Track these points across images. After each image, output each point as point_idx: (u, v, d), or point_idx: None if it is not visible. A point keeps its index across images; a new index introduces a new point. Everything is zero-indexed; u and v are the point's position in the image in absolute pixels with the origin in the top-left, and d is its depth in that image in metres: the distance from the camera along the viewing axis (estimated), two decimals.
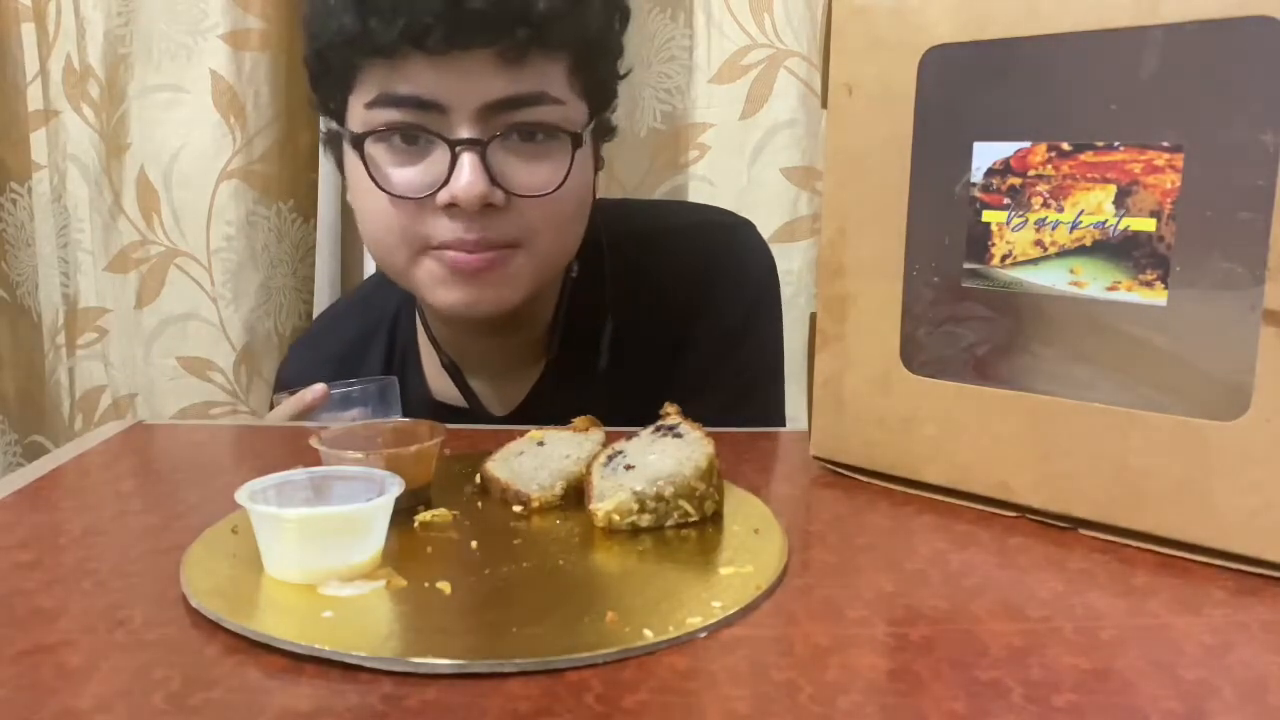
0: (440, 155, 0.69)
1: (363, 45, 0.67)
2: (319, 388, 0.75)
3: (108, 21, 1.23)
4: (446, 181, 0.68)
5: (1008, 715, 0.36)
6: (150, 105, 1.24)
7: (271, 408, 0.95)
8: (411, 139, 0.69)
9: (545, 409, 0.82)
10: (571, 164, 0.71)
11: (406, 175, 0.70)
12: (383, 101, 0.69)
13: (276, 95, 1.24)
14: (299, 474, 0.50)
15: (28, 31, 1.29)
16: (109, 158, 1.26)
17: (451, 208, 0.68)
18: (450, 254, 0.70)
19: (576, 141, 0.71)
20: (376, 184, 0.70)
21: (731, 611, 0.43)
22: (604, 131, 0.79)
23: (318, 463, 0.53)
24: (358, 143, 0.70)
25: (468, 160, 0.67)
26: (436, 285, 0.72)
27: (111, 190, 1.27)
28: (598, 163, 0.79)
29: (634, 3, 1.21)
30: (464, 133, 0.68)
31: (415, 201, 0.69)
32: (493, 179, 0.68)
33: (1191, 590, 0.47)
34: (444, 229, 0.69)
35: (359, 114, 0.70)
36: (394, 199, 0.70)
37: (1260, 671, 0.40)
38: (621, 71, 0.78)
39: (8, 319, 1.34)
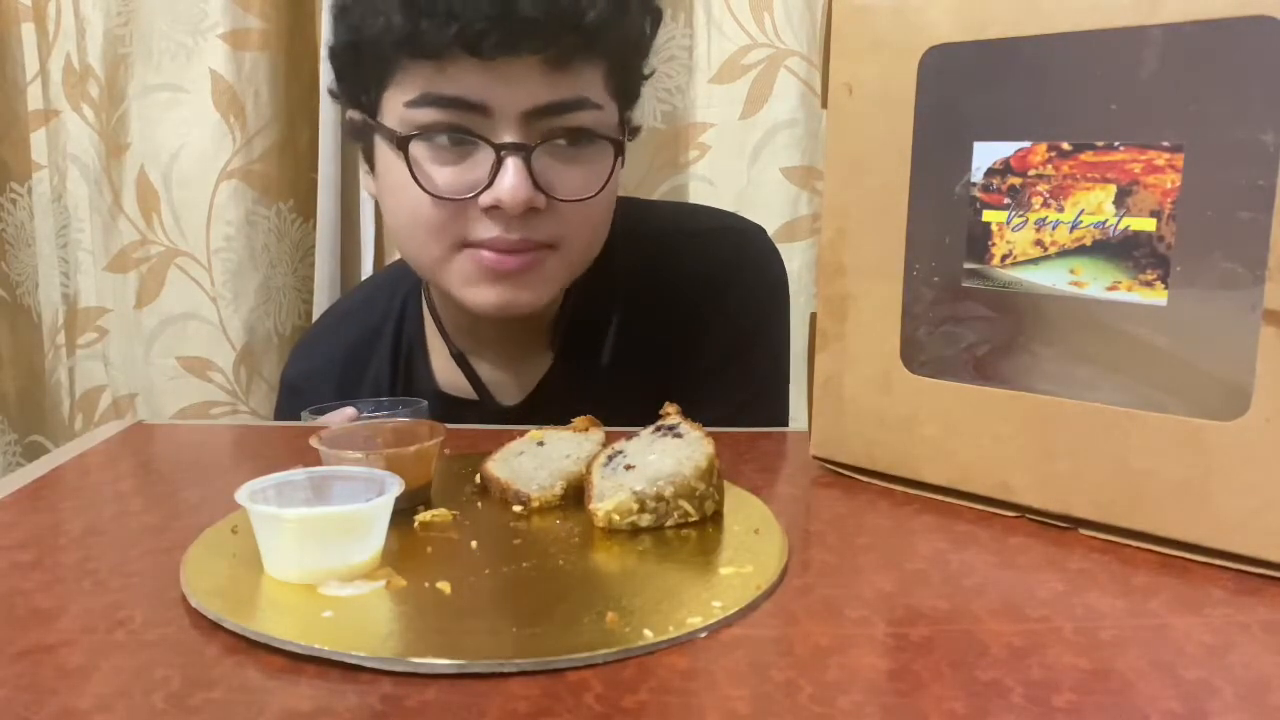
0: (483, 157, 0.69)
1: (411, 46, 0.67)
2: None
3: (108, 21, 1.23)
4: (490, 184, 0.68)
5: (1008, 715, 0.36)
6: (150, 105, 1.24)
7: (277, 414, 0.95)
8: (456, 140, 0.69)
9: (555, 399, 0.83)
10: (613, 170, 0.72)
11: (448, 175, 0.70)
12: (426, 101, 0.69)
13: (276, 95, 1.24)
14: (299, 474, 0.50)
15: (28, 31, 1.29)
16: (109, 158, 1.26)
17: (493, 209, 0.69)
18: (486, 254, 0.70)
19: (619, 149, 0.72)
20: (419, 184, 0.69)
21: (731, 611, 0.43)
22: (631, 131, 0.80)
23: (318, 463, 0.53)
24: (402, 143, 0.70)
25: (512, 165, 0.68)
26: (469, 284, 0.72)
27: (111, 190, 1.27)
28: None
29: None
30: (507, 136, 0.68)
31: (455, 201, 0.70)
32: (535, 183, 0.69)
33: (1191, 590, 0.47)
34: (484, 228, 0.70)
35: (398, 111, 0.70)
36: (434, 198, 0.70)
37: (1260, 671, 0.40)
38: (646, 72, 0.80)
39: (8, 319, 1.34)
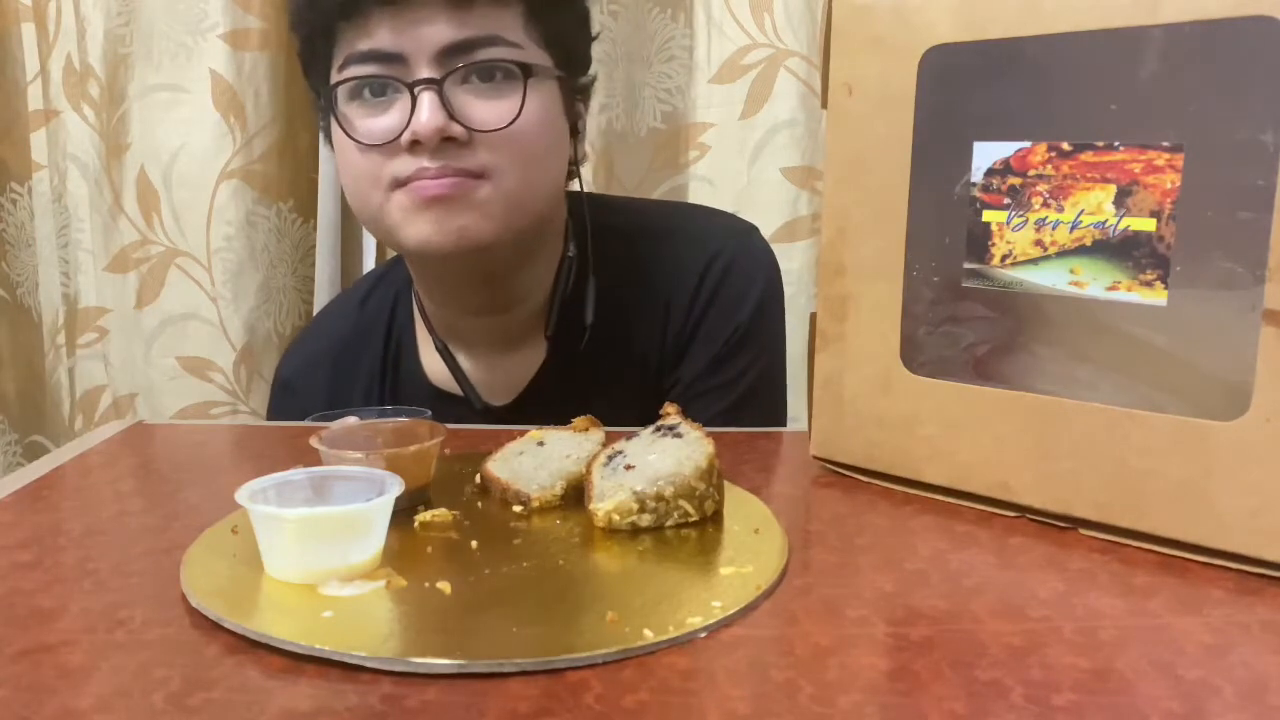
0: (404, 102, 0.73)
1: (325, 6, 0.74)
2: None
3: (108, 21, 1.23)
4: (409, 123, 0.72)
5: (1008, 715, 0.36)
6: (150, 105, 1.24)
7: (270, 412, 0.96)
8: (378, 90, 0.74)
9: (545, 402, 0.83)
10: (525, 96, 0.74)
11: (373, 124, 0.74)
12: (350, 61, 0.74)
13: (276, 95, 1.24)
14: (299, 474, 0.50)
15: (28, 31, 1.29)
16: (109, 158, 1.26)
17: (415, 145, 0.72)
18: (416, 183, 0.73)
19: (527, 72, 0.74)
20: (348, 135, 0.74)
21: (731, 611, 0.43)
22: (575, 90, 0.82)
23: (318, 463, 0.53)
24: (328, 98, 0.75)
25: (426, 98, 0.71)
26: (406, 220, 0.74)
27: (111, 190, 1.27)
28: (575, 121, 0.82)
29: (634, 2, 1.21)
30: (422, 76, 0.72)
31: (384, 147, 0.73)
32: (451, 115, 0.72)
33: (1191, 590, 0.47)
34: (409, 165, 0.73)
35: (333, 79, 0.76)
36: (364, 147, 0.74)
37: (1260, 671, 0.40)
38: (592, 32, 0.82)
39: (8, 319, 1.34)
